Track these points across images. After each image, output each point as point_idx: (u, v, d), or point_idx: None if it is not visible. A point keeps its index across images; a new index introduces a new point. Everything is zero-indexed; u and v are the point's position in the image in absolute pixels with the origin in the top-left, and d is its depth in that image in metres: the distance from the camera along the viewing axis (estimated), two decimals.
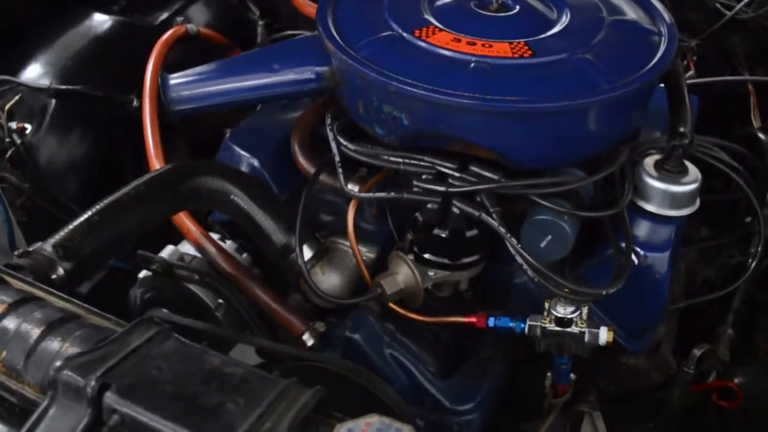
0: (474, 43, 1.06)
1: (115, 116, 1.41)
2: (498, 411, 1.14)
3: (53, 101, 1.36)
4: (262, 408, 0.61)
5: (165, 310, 1.15)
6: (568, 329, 0.98)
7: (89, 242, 0.89)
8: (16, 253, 0.86)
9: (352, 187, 1.09)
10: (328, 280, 1.11)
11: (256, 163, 1.21)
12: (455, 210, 1.02)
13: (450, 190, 1.01)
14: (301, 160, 1.16)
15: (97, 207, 0.93)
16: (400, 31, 1.08)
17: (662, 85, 1.17)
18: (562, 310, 0.99)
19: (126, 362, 0.65)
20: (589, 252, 1.10)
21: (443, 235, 1.05)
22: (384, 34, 1.08)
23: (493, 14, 1.13)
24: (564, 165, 1.07)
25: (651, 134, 1.21)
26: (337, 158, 1.10)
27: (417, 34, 1.07)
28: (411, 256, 1.08)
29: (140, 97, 1.29)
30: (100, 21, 1.47)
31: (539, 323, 1.00)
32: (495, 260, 1.13)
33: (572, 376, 1.07)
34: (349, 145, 1.10)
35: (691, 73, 1.50)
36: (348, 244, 1.11)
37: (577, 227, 1.03)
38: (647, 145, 1.13)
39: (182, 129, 1.49)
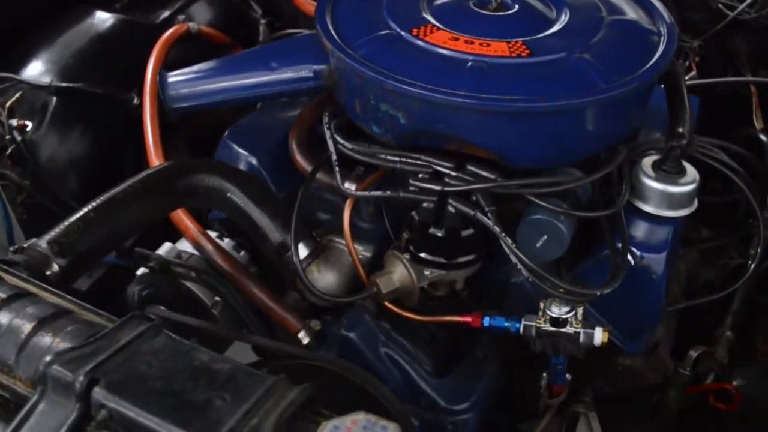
0: (472, 42, 1.06)
1: (115, 114, 1.42)
2: (494, 411, 1.14)
3: (54, 99, 1.36)
4: (249, 404, 0.61)
5: (162, 308, 1.15)
6: (563, 329, 0.98)
7: (84, 239, 0.89)
8: (11, 249, 0.86)
9: (349, 186, 1.09)
10: (324, 279, 1.11)
11: (254, 161, 1.21)
12: (451, 209, 1.02)
13: (445, 189, 1.01)
14: (299, 158, 1.16)
15: (93, 204, 0.93)
16: (398, 29, 1.08)
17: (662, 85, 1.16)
18: (557, 311, 0.98)
19: (115, 358, 0.66)
20: (586, 252, 1.10)
21: (439, 235, 1.04)
22: (382, 32, 1.08)
23: (492, 13, 1.13)
24: (561, 165, 1.07)
25: (651, 135, 1.21)
26: (334, 157, 1.10)
27: (415, 33, 1.07)
28: (407, 255, 1.08)
29: (141, 95, 1.30)
30: (102, 19, 1.48)
31: (534, 323, 0.99)
32: (491, 260, 1.12)
33: (568, 376, 1.07)
34: (346, 144, 1.10)
35: (693, 73, 1.49)
36: (344, 242, 1.11)
37: (574, 227, 1.03)
38: (646, 145, 1.12)
39: (182, 127, 1.49)
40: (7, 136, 1.31)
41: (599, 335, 0.98)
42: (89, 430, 0.63)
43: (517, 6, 1.15)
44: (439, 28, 1.09)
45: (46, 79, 1.36)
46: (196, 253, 1.17)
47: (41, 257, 0.85)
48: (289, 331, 1.09)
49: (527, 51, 1.04)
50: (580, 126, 1.03)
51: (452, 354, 1.15)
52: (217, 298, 1.14)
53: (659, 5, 1.17)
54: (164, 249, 1.16)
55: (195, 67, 1.18)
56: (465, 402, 1.09)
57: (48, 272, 0.85)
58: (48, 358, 0.65)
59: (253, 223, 1.06)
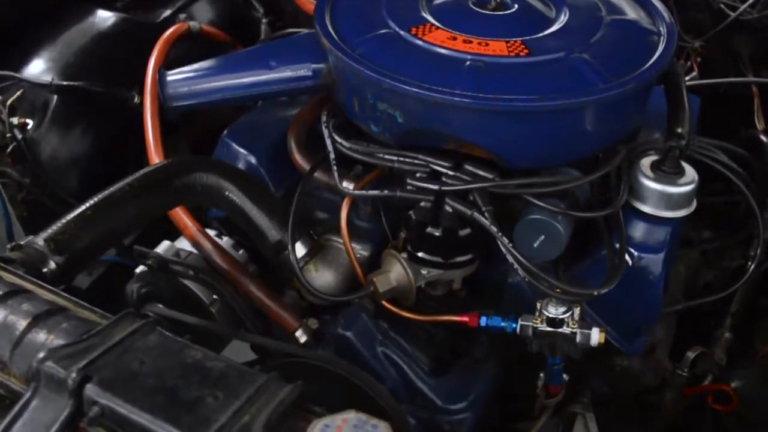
0: (470, 42, 1.06)
1: (116, 113, 1.42)
2: (491, 411, 1.14)
3: (55, 97, 1.37)
4: (240, 402, 0.62)
5: (161, 305, 1.15)
6: (560, 330, 0.98)
7: (82, 236, 0.90)
8: (8, 246, 0.86)
9: (347, 185, 1.09)
10: (322, 277, 1.11)
11: (252, 159, 1.21)
12: (448, 209, 1.02)
13: (443, 188, 1.01)
14: (297, 157, 1.16)
15: (91, 201, 0.93)
16: (397, 28, 1.08)
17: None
18: (554, 311, 0.98)
19: (108, 355, 0.66)
20: (585, 252, 1.09)
21: (436, 234, 1.04)
22: (380, 31, 1.08)
23: (491, 13, 1.13)
24: (559, 165, 1.06)
25: (651, 135, 1.20)
26: (332, 155, 1.11)
27: (413, 32, 1.07)
28: (404, 255, 1.08)
29: (141, 93, 1.30)
30: (103, 17, 1.48)
31: (531, 323, 0.99)
32: (490, 259, 1.12)
33: (565, 377, 1.07)
34: (344, 143, 1.10)
35: (694, 74, 1.49)
36: (342, 241, 1.11)
37: (571, 227, 1.03)
38: (645, 145, 1.12)
39: (184, 126, 1.50)
40: (8, 134, 1.32)
41: (596, 336, 0.97)
42: (82, 426, 0.63)
43: (516, 5, 1.14)
44: (437, 28, 1.09)
45: (47, 78, 1.37)
46: (195, 251, 1.17)
47: (38, 255, 0.86)
48: (287, 330, 1.09)
49: (526, 50, 1.04)
50: (579, 126, 1.03)
51: (450, 354, 1.15)
52: (215, 297, 1.14)
53: (659, 5, 1.17)
54: (163, 247, 1.16)
55: (194, 66, 1.18)
56: (462, 402, 1.08)
57: (45, 269, 0.86)
58: (41, 355, 0.66)
59: (251, 221, 1.07)
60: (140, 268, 1.18)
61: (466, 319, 1.05)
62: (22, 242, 0.86)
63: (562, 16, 1.12)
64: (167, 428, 0.59)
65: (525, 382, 1.10)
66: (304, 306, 1.18)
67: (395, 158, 1.06)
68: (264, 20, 1.67)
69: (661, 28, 1.12)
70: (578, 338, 0.98)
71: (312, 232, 1.13)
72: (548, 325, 0.98)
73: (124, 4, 1.55)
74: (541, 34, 1.08)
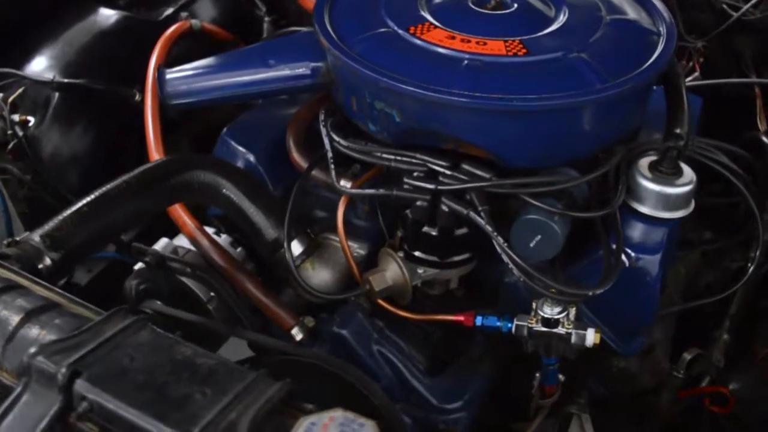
0: (468, 41, 1.05)
1: (117, 110, 1.42)
2: (487, 410, 1.14)
3: (56, 94, 1.38)
4: (228, 399, 0.62)
5: (159, 302, 1.16)
6: (555, 330, 0.97)
7: (77, 233, 0.90)
8: (4, 242, 0.87)
9: (345, 184, 1.09)
10: (319, 276, 1.11)
11: (251, 158, 1.22)
12: (444, 208, 1.02)
13: (439, 187, 1.01)
14: (296, 155, 1.16)
15: (88, 198, 0.94)
16: (395, 27, 1.08)
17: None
18: (549, 311, 0.98)
19: (99, 351, 0.67)
20: (582, 252, 1.09)
21: (432, 233, 1.04)
22: (379, 30, 1.08)
23: (490, 12, 1.13)
24: (557, 165, 1.06)
25: (651, 135, 1.20)
26: (330, 154, 1.11)
27: (412, 31, 1.07)
28: (401, 254, 1.08)
29: (143, 91, 1.31)
30: (105, 15, 1.49)
31: (526, 323, 0.99)
32: (487, 259, 1.12)
33: (561, 377, 1.06)
34: (342, 142, 1.10)
35: (696, 74, 1.48)
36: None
37: (568, 227, 1.02)
38: (644, 146, 1.11)
39: (185, 124, 1.50)
40: (9, 131, 1.33)
41: (591, 336, 0.97)
42: (71, 421, 0.64)
43: (515, 5, 1.14)
44: (436, 27, 1.09)
45: (49, 75, 1.37)
46: (193, 248, 1.18)
47: (34, 251, 0.87)
48: (283, 327, 1.10)
49: (524, 50, 1.04)
50: (576, 126, 1.03)
51: (447, 353, 1.15)
52: (212, 294, 1.15)
53: (660, 5, 1.16)
54: (161, 244, 1.17)
55: (193, 64, 1.18)
56: (457, 401, 1.08)
57: (40, 266, 0.86)
58: (33, 350, 0.66)
59: (248, 219, 1.07)
60: (139, 265, 1.18)
61: (461, 318, 1.05)
62: (18, 238, 0.87)
63: (562, 16, 1.12)
64: (154, 424, 0.60)
65: (521, 382, 1.10)
66: (302, 304, 1.18)
67: (393, 157, 1.06)
68: (267, 19, 1.67)
69: (660, 28, 1.12)
70: (573, 339, 0.97)
71: (309, 231, 1.13)
72: (543, 325, 0.98)
73: (126, 2, 1.56)
74: (539, 34, 1.08)
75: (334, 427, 0.59)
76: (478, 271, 1.13)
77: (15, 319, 0.71)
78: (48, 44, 1.44)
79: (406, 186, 1.04)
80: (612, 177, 1.05)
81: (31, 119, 1.36)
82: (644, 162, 1.07)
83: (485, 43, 1.05)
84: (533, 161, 1.05)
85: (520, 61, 1.03)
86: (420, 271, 1.07)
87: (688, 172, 1.05)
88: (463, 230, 1.05)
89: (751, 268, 1.19)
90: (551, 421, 1.12)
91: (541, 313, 0.98)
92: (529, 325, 0.99)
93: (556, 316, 0.98)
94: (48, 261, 0.87)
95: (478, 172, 1.02)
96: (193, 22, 1.46)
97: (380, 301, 1.08)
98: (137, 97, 1.41)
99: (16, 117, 1.34)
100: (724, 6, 1.43)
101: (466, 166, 1.03)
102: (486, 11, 1.13)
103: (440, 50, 1.04)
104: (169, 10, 1.54)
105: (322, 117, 1.14)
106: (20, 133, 1.33)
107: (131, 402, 0.62)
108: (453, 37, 1.06)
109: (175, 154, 1.37)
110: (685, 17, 1.46)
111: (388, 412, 0.91)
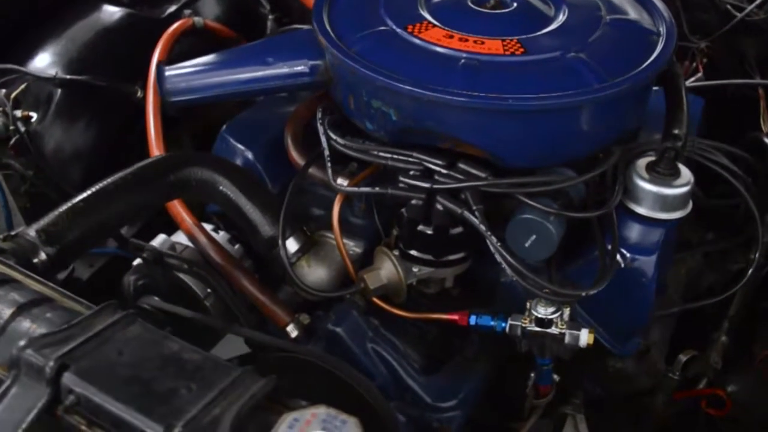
0: (466, 40, 1.05)
1: (119, 107, 1.43)
2: (482, 409, 1.13)
3: (59, 91, 1.38)
4: (213, 394, 0.62)
5: (156, 298, 1.17)
6: (548, 330, 0.97)
7: (73, 228, 0.91)
8: (0, 237, 0.88)
9: (341, 182, 1.10)
10: (315, 273, 1.11)
11: (250, 155, 1.22)
12: (439, 207, 1.02)
13: (434, 186, 1.01)
14: (293, 153, 1.17)
15: (84, 194, 0.94)
16: (393, 26, 1.08)
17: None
18: (543, 311, 0.98)
19: (87, 345, 0.67)
20: (578, 252, 1.09)
21: (428, 232, 1.04)
22: (377, 29, 1.08)
23: (489, 11, 1.13)
24: (554, 165, 1.06)
25: (651, 136, 1.19)
26: (327, 152, 1.11)
27: (410, 30, 1.07)
28: (396, 252, 1.08)
29: (145, 88, 1.31)
30: (109, 12, 1.49)
31: (520, 323, 0.99)
32: (483, 258, 1.12)
33: (555, 377, 1.06)
34: (339, 140, 1.10)
35: (699, 75, 1.47)
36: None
37: (564, 227, 1.02)
38: (641, 146, 1.11)
39: (185, 121, 1.51)
40: (12, 127, 1.34)
41: (585, 337, 0.97)
42: (59, 414, 0.64)
43: (515, 4, 1.14)
44: (434, 25, 1.09)
45: (52, 71, 1.38)
46: (191, 245, 1.18)
47: (29, 245, 0.87)
48: (278, 324, 1.10)
49: (522, 49, 1.04)
50: (573, 126, 1.02)
51: (442, 352, 1.15)
52: (209, 290, 1.15)
53: (661, 5, 1.16)
54: (158, 240, 1.18)
55: (193, 62, 1.19)
56: (452, 400, 1.08)
57: (35, 260, 0.87)
58: (22, 343, 0.67)
59: (245, 216, 1.07)
60: (137, 261, 1.19)
61: (456, 317, 1.05)
62: (13, 233, 0.87)
63: (561, 15, 1.11)
64: (139, 418, 0.60)
65: (516, 382, 1.10)
66: (298, 301, 1.18)
67: (389, 156, 1.06)
68: (270, 16, 1.67)
69: (660, 28, 1.11)
70: (567, 339, 0.97)
71: (306, 228, 1.13)
72: (537, 325, 0.98)
73: None
74: (537, 33, 1.08)
75: (317, 424, 0.59)
76: (474, 271, 1.13)
77: (7, 312, 0.72)
78: (51, 41, 1.45)
79: (401, 184, 1.04)
80: (609, 177, 1.05)
81: (34, 115, 1.37)
82: (642, 162, 1.06)
83: (483, 43, 1.05)
84: (530, 161, 1.04)
85: (518, 60, 1.02)
86: (415, 269, 1.08)
87: (686, 173, 1.05)
88: (458, 229, 1.05)
89: (750, 270, 1.18)
90: (546, 421, 1.12)
91: (535, 313, 0.98)
92: (523, 325, 0.99)
93: (550, 316, 0.97)
94: (43, 256, 0.87)
95: (474, 172, 1.02)
96: (196, 19, 1.47)
97: (375, 300, 1.08)
98: (139, 94, 1.42)
99: (18, 113, 1.35)
100: (728, 6, 1.42)
101: (462, 165, 1.03)
102: (485, 10, 1.13)
103: (438, 49, 1.04)
104: (172, 8, 1.55)
105: (319, 115, 1.14)
106: (22, 129, 1.34)
107: (117, 396, 0.62)
108: (451, 36, 1.06)
109: (175, 150, 1.37)
110: (688, 17, 1.45)
111: (383, 410, 0.91)
